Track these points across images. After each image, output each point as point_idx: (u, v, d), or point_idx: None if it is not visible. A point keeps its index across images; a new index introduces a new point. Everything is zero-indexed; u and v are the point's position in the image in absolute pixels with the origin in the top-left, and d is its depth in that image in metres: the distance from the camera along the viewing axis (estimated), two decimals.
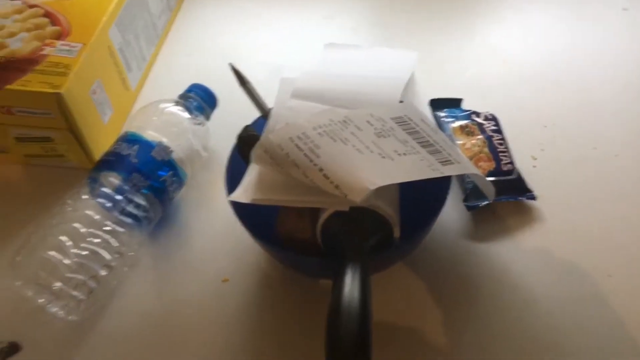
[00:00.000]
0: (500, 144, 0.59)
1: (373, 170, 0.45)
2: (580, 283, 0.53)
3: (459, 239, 0.56)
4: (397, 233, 0.48)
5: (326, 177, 0.45)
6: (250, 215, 0.51)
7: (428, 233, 0.52)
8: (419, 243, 0.52)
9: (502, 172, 0.57)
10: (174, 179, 0.58)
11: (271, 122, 0.55)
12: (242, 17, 0.80)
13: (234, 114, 0.61)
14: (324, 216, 0.48)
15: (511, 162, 0.58)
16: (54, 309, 0.51)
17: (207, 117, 0.64)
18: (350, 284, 0.41)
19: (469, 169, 0.49)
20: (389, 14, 0.78)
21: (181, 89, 0.65)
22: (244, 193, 0.49)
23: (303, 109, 0.55)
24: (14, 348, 0.52)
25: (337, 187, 0.44)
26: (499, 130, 0.61)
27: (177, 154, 0.58)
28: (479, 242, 0.56)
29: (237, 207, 0.50)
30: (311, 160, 0.46)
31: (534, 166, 0.60)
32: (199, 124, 0.62)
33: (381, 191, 0.47)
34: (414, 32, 0.76)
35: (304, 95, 0.57)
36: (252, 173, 0.51)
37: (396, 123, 0.51)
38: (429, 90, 0.67)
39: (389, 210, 0.47)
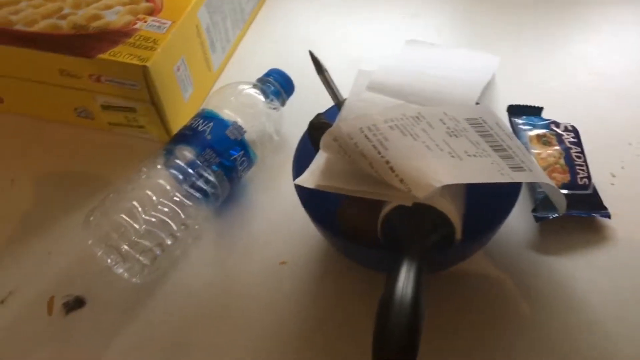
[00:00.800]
0: (578, 157, 0.57)
1: (440, 168, 0.45)
2: None
3: (523, 249, 0.54)
4: (458, 234, 0.47)
5: (392, 170, 0.45)
6: (314, 201, 0.52)
7: (491, 238, 0.51)
8: (480, 247, 0.51)
9: (577, 185, 0.55)
10: (244, 158, 0.59)
11: (344, 112, 0.55)
12: (329, 9, 0.80)
13: (309, 102, 0.62)
14: (386, 209, 0.48)
15: (587, 177, 0.56)
16: (120, 270, 0.54)
17: (283, 103, 0.65)
18: (405, 279, 0.41)
19: (541, 178, 0.48)
20: (476, 17, 0.77)
21: (260, 74, 0.66)
22: (309, 178, 0.50)
23: (377, 102, 0.55)
24: (79, 302, 0.55)
25: (401, 181, 0.44)
26: (578, 143, 0.58)
27: (250, 135, 0.60)
28: (544, 255, 0.54)
29: (302, 191, 0.51)
30: (379, 152, 0.46)
31: (612, 184, 0.58)
32: (274, 108, 0.63)
33: (447, 190, 0.47)
34: (499, 36, 0.74)
35: (380, 89, 0.57)
36: (320, 160, 0.51)
37: (470, 124, 0.50)
38: (509, 96, 0.66)
39: (453, 210, 0.46)
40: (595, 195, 0.55)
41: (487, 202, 0.49)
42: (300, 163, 0.53)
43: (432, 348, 0.44)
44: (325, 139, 0.49)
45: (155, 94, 0.61)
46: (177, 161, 0.56)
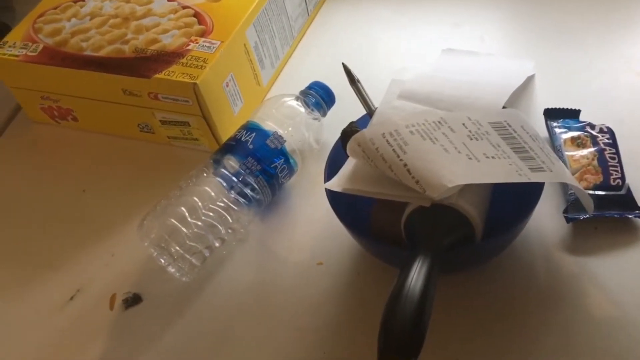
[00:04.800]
0: (612, 158, 0.57)
1: (456, 169, 0.47)
2: None
3: (554, 250, 0.55)
4: (479, 235, 0.49)
5: (409, 172, 0.47)
6: (346, 204, 0.55)
7: (512, 241, 0.52)
8: (501, 248, 0.52)
9: (609, 186, 0.55)
10: (284, 166, 0.63)
11: (374, 119, 0.58)
12: (372, 24, 0.83)
13: (350, 113, 0.64)
14: (407, 210, 0.50)
15: (621, 177, 0.56)
16: (172, 270, 0.59)
17: (324, 113, 0.69)
18: (416, 275, 0.43)
19: (562, 177, 0.49)
20: (520, 23, 0.78)
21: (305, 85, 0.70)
22: (337, 182, 0.53)
23: (405, 109, 0.58)
24: (137, 299, 0.61)
25: (417, 182, 0.46)
26: (612, 144, 0.58)
27: (290, 144, 0.64)
28: (575, 256, 0.54)
29: (332, 194, 0.54)
30: (398, 156, 0.48)
31: None
32: (315, 119, 0.67)
33: (468, 191, 0.48)
34: (544, 41, 0.74)
35: (410, 97, 0.59)
36: (349, 165, 0.54)
37: (493, 128, 0.52)
38: (549, 99, 0.66)
39: (472, 211, 0.48)
40: (629, 195, 0.55)
41: (510, 204, 0.50)
42: (332, 168, 0.56)
43: (462, 350, 0.45)
44: (350, 145, 0.52)
45: (206, 109, 0.67)
46: (223, 169, 0.61)
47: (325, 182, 0.55)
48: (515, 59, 0.64)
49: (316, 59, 0.81)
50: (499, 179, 0.46)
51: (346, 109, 0.69)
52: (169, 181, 0.68)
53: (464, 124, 0.52)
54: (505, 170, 0.47)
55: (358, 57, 0.78)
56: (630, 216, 0.54)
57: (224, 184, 0.60)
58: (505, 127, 0.52)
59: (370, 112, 0.60)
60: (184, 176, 0.62)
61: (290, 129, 0.64)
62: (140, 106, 0.70)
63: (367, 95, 0.61)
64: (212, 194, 0.60)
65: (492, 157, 0.48)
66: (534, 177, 0.47)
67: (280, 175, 0.63)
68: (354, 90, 0.61)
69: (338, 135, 0.60)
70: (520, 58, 0.64)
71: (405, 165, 0.47)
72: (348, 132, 0.58)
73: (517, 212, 0.50)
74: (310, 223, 0.63)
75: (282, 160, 0.63)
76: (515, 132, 0.52)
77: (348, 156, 0.56)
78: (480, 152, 0.49)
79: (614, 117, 0.62)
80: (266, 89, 0.78)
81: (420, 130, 0.50)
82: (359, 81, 0.61)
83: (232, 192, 0.60)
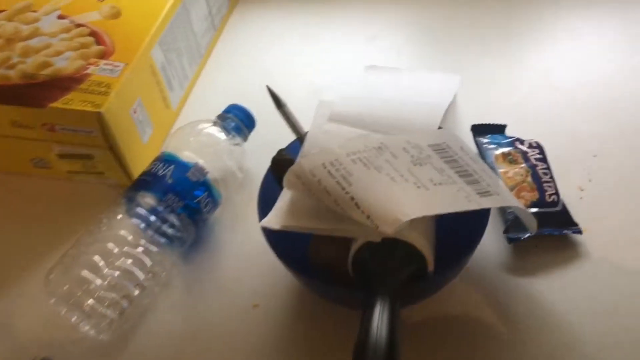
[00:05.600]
0: (545, 174, 0.57)
1: (406, 200, 0.44)
2: (629, 326, 0.50)
3: (498, 272, 0.54)
4: (430, 266, 0.46)
5: (357, 206, 0.44)
6: (282, 240, 0.50)
7: (463, 268, 0.50)
8: (453, 278, 0.50)
9: (545, 203, 0.55)
10: (208, 199, 0.57)
11: (306, 145, 0.54)
12: (285, 37, 0.80)
13: (272, 135, 0.61)
14: (354, 247, 0.47)
15: (556, 193, 0.56)
16: (86, 327, 0.51)
17: (245, 138, 0.64)
18: (379, 319, 0.40)
19: (509, 201, 0.47)
20: (434, 35, 0.77)
21: (221, 108, 0.65)
22: (275, 219, 0.48)
23: (339, 133, 0.54)
24: None
25: (368, 217, 0.43)
26: (543, 159, 0.58)
27: (213, 174, 0.58)
28: (520, 277, 0.53)
29: (269, 232, 0.50)
30: (343, 188, 0.45)
31: (581, 197, 0.57)
32: (236, 144, 0.62)
33: (416, 222, 0.45)
34: (459, 53, 0.74)
35: (341, 119, 0.56)
36: (285, 198, 0.50)
37: (434, 150, 0.50)
38: (472, 115, 0.65)
39: (423, 243, 0.45)
40: (564, 211, 0.55)
41: (456, 231, 0.48)
42: (266, 202, 0.52)
43: None
44: (288, 177, 0.47)
45: (112, 139, 0.59)
46: (139, 209, 0.54)
47: (259, 218, 0.50)
48: (440, 74, 0.62)
49: (227, 77, 0.76)
50: (451, 208, 0.44)
51: (268, 130, 0.64)
52: (73, 222, 0.61)
53: (404, 149, 0.49)
54: (455, 197, 0.45)
55: (273, 75, 0.74)
56: (568, 232, 0.54)
57: (141, 225, 0.54)
58: (445, 149, 0.50)
59: (300, 137, 0.56)
60: (94, 219, 0.55)
61: (211, 158, 0.59)
62: (34, 139, 0.61)
63: (295, 119, 0.57)
64: (128, 237, 0.53)
65: (440, 184, 0.46)
66: (484, 203, 0.45)
67: (204, 210, 0.57)
68: (281, 115, 0.57)
69: (262, 160, 0.56)
70: (446, 72, 0.63)
71: (352, 198, 0.44)
72: (279, 161, 0.54)
73: (466, 238, 0.48)
74: (240, 259, 0.58)
75: (206, 193, 0.57)
76: (456, 154, 0.50)
77: (281, 187, 0.52)
78: (427, 179, 0.46)
79: (537, 131, 0.62)
80: (176, 112, 0.71)
81: (363, 158, 0.47)
82: (285, 105, 0.57)
83: (151, 232, 0.54)
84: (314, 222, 0.47)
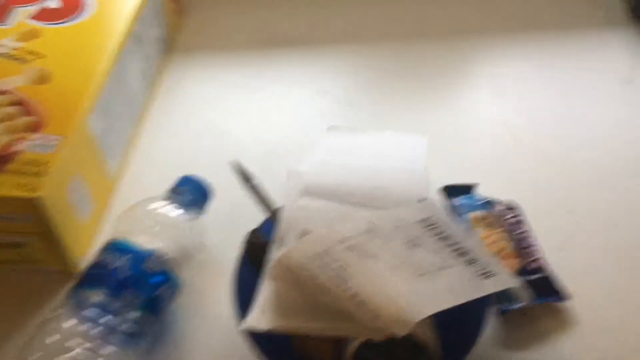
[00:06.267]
0: (525, 238, 0.55)
1: (414, 295, 0.40)
2: None
3: (490, 347, 0.51)
4: (436, 358, 0.42)
5: (363, 304, 0.39)
6: (263, 335, 0.45)
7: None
8: None
9: (528, 271, 0.53)
10: (169, 286, 0.51)
11: (283, 225, 0.49)
12: (229, 91, 0.75)
13: (228, 202, 0.58)
14: (354, 345, 0.42)
15: (538, 258, 0.54)
16: None
17: (201, 212, 0.58)
18: None
19: (509, 281, 0.45)
20: (380, 88, 0.74)
21: (167, 174, 0.59)
22: (260, 318, 0.43)
23: (317, 209, 0.50)
24: None
25: (377, 317, 0.39)
26: (521, 222, 0.56)
27: (173, 258, 0.52)
28: (513, 351, 0.51)
29: (251, 333, 0.44)
30: (342, 284, 0.40)
31: (561, 257, 0.56)
32: (193, 219, 0.56)
33: None
34: (412, 106, 0.72)
35: (316, 192, 0.51)
36: (266, 292, 0.45)
37: (424, 228, 0.46)
38: (438, 175, 0.63)
39: (430, 336, 0.42)
40: (548, 278, 0.53)
41: (456, 314, 0.45)
42: (243, 292, 0.46)
43: None
44: (276, 271, 0.43)
45: (50, 225, 0.52)
46: (87, 311, 0.47)
47: (237, 312, 0.45)
48: (406, 135, 0.60)
49: (168, 138, 0.69)
50: (460, 298, 0.41)
51: (221, 200, 0.59)
52: (7, 320, 0.52)
53: (395, 227, 0.46)
54: (460, 284, 0.42)
55: (217, 135, 0.69)
56: (554, 301, 0.52)
57: (93, 329, 0.46)
58: (435, 224, 0.47)
59: (272, 214, 0.51)
60: (34, 324, 0.47)
61: (169, 239, 0.52)
62: None
63: (265, 195, 0.51)
64: (83, 347, 0.45)
65: (442, 268, 0.43)
66: (489, 287, 0.42)
67: (165, 298, 0.51)
68: (249, 191, 0.51)
69: (221, 234, 0.54)
70: (411, 133, 0.60)
71: (355, 295, 0.40)
72: (254, 244, 0.49)
73: (469, 322, 0.45)
74: (208, 351, 0.52)
75: (166, 280, 0.51)
76: (447, 228, 0.47)
77: (258, 272, 0.47)
78: (427, 264, 0.43)
79: (507, 190, 0.60)
80: (116, 180, 0.64)
81: (355, 245, 0.43)
82: (253, 178, 0.51)
83: (105, 332, 0.47)
84: (306, 321, 0.42)
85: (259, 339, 0.44)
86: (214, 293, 0.54)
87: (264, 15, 0.84)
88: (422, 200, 0.49)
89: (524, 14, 0.82)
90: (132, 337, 0.48)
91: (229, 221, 0.59)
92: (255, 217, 0.53)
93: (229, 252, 0.52)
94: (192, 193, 0.57)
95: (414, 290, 0.41)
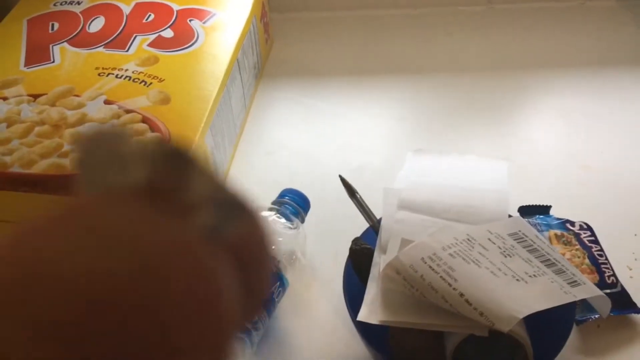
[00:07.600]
0: (600, 255, 0.60)
1: (515, 296, 0.45)
2: None
3: (569, 354, 0.56)
4: (530, 358, 0.47)
5: (468, 302, 0.45)
6: (373, 332, 0.50)
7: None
8: None
9: (606, 285, 0.58)
10: (280, 289, 0.57)
11: (383, 235, 0.55)
12: (314, 117, 0.82)
13: (322, 214, 0.65)
14: (456, 340, 0.47)
15: (613, 274, 0.59)
16: None
17: (302, 220, 0.64)
18: None
19: (594, 290, 0.50)
20: (459, 117, 0.81)
21: (263, 188, 0.65)
22: (370, 313, 0.49)
23: (413, 222, 0.56)
24: None
25: (481, 314, 0.44)
26: (596, 241, 0.61)
27: (282, 262, 0.58)
28: (590, 358, 0.55)
29: (362, 327, 0.50)
30: (449, 284, 0.46)
31: (631, 277, 0.61)
32: (295, 228, 0.62)
33: None
34: (485, 134, 0.78)
35: (412, 207, 0.57)
36: (373, 291, 0.50)
37: (514, 240, 0.52)
38: (512, 198, 0.68)
39: (524, 335, 0.47)
40: (624, 292, 0.58)
41: (545, 320, 0.50)
42: (352, 292, 0.52)
43: None
44: (387, 272, 0.48)
45: None
46: None
47: (351, 313, 0.51)
48: (488, 160, 0.65)
49: (262, 157, 0.76)
50: (554, 301, 0.46)
51: (315, 211, 0.65)
52: None
53: (490, 239, 0.51)
54: (552, 289, 0.47)
55: (309, 155, 0.76)
56: (630, 313, 0.57)
57: None
58: (524, 238, 0.52)
59: (374, 225, 0.57)
60: None
61: (279, 246, 0.59)
62: None
63: (367, 207, 0.58)
64: None
65: (534, 275, 0.48)
66: (578, 294, 0.47)
67: (276, 300, 0.57)
68: (355, 204, 0.58)
69: (318, 242, 0.61)
70: (493, 159, 0.66)
71: (462, 295, 0.45)
72: (358, 252, 0.55)
73: (555, 326, 0.50)
74: (308, 349, 0.57)
75: (278, 283, 0.57)
76: (534, 242, 0.52)
77: (360, 277, 0.53)
78: (522, 271, 0.48)
79: (577, 213, 0.65)
80: None
81: (459, 252, 0.49)
82: (357, 192, 0.58)
83: None
84: (413, 317, 0.47)
85: (367, 331, 0.50)
86: (312, 295, 0.60)
87: (344, 46, 0.91)
88: (511, 217, 0.55)
89: (597, 49, 0.88)
90: (247, 331, 0.54)
91: (321, 231, 0.65)
92: (345, 228, 0.59)
93: (323, 259, 0.59)
94: (294, 204, 0.63)
95: (512, 293, 0.46)
